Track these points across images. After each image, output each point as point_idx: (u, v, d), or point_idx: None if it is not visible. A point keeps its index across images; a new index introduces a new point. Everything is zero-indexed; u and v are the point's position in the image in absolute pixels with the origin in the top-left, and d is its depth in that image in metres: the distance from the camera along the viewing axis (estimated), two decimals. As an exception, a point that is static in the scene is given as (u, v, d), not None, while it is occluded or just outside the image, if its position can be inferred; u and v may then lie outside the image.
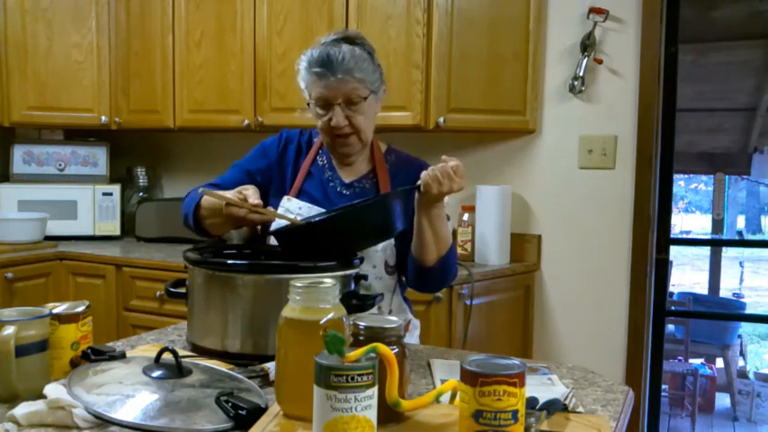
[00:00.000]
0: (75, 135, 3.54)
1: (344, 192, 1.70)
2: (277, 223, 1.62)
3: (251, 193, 1.49)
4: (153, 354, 1.15)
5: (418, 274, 1.63)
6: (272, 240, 1.64)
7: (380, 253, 1.64)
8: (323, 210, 1.64)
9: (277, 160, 1.75)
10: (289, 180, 1.73)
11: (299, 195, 1.69)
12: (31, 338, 1.12)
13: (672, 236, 2.91)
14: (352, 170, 1.72)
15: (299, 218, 1.61)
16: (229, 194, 1.49)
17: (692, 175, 12.68)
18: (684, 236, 11.81)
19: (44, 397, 1.03)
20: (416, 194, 1.53)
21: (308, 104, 1.63)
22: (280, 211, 1.68)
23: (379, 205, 1.52)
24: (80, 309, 1.24)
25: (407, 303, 1.79)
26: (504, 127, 2.86)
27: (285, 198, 1.69)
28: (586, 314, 2.85)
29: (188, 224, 1.69)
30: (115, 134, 3.50)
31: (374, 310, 1.64)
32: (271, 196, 1.72)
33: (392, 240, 1.65)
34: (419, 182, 1.50)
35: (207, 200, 1.60)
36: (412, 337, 1.77)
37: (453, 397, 1.08)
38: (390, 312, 1.69)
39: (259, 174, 1.74)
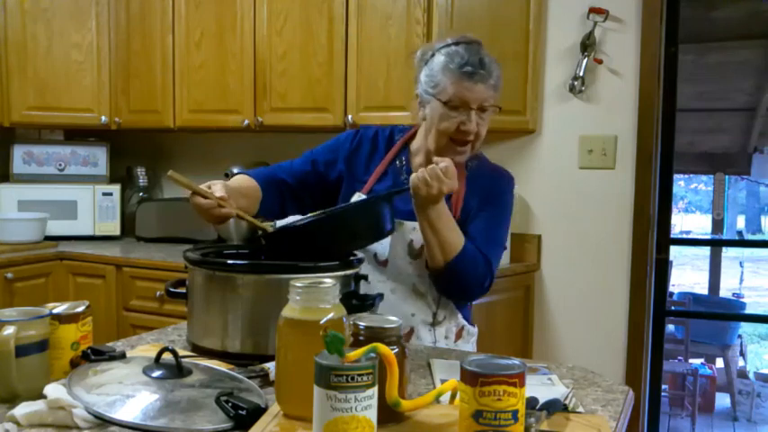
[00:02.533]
0: (76, 135, 3.54)
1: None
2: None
3: (218, 188, 1.46)
4: (153, 354, 1.15)
5: (433, 280, 1.62)
6: None
7: None
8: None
9: (346, 157, 1.74)
10: (359, 178, 1.71)
11: (369, 195, 1.68)
12: (31, 338, 1.12)
13: (672, 236, 2.90)
14: None
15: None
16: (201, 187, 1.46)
17: (692, 175, 12.67)
18: (684, 236, 11.80)
19: (44, 397, 1.03)
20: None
21: (421, 100, 1.60)
22: None
23: (362, 209, 1.52)
24: (80, 309, 1.24)
25: (463, 309, 1.73)
26: (504, 127, 2.86)
27: (356, 194, 1.68)
28: (586, 314, 2.85)
29: None
30: (115, 134, 3.50)
31: (428, 311, 1.64)
32: (342, 190, 1.72)
33: None
34: (409, 183, 1.49)
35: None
36: (467, 345, 1.73)
37: (453, 397, 1.08)
38: (444, 319, 1.67)
39: (323, 165, 1.74)
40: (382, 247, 1.64)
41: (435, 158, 1.50)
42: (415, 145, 1.72)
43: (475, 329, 1.77)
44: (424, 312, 1.66)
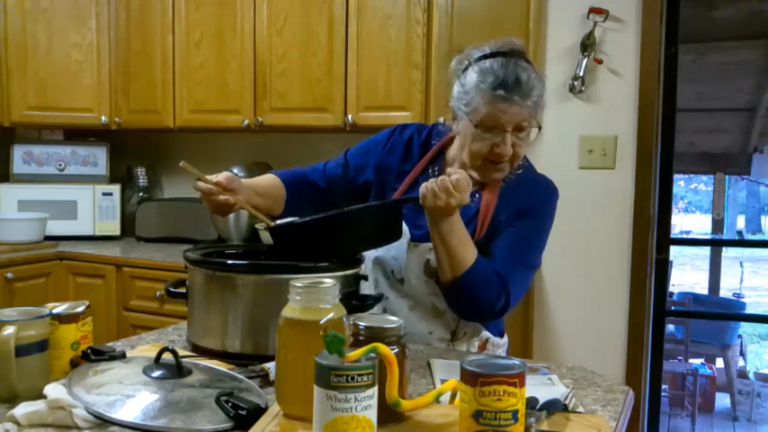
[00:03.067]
0: (76, 135, 3.54)
1: None
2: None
3: (223, 176, 1.47)
4: (153, 354, 1.15)
5: (443, 296, 1.54)
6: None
7: None
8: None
9: (376, 164, 1.67)
10: (390, 186, 1.65)
11: None
12: (31, 338, 1.12)
13: (672, 236, 2.91)
14: None
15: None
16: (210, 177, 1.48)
17: (692, 175, 12.68)
18: (684, 236, 11.81)
19: (44, 397, 1.03)
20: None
21: (454, 114, 1.51)
22: None
23: (367, 212, 1.51)
24: (80, 309, 1.24)
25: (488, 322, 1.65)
26: (504, 127, 2.86)
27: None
28: (586, 314, 2.85)
29: None
30: (115, 134, 3.50)
31: (446, 330, 1.59)
32: (371, 197, 1.66)
33: None
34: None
35: None
36: None
37: (453, 397, 1.08)
38: (464, 335, 1.60)
39: (353, 170, 1.69)
40: (398, 264, 1.59)
41: (449, 170, 1.44)
42: (451, 153, 1.63)
43: (503, 340, 1.69)
44: (442, 330, 1.60)
